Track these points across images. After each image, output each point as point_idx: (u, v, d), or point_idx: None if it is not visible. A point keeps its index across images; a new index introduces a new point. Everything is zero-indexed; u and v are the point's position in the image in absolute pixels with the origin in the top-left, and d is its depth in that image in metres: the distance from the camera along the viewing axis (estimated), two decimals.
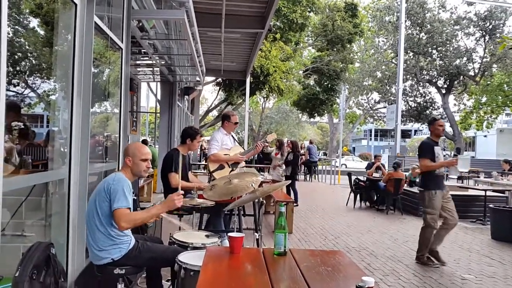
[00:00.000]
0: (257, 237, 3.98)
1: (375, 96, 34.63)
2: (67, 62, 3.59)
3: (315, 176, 19.39)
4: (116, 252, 2.97)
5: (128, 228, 2.93)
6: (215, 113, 27.67)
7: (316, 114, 26.58)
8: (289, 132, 39.87)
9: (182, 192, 3.08)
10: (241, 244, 2.48)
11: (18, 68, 5.10)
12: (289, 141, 11.43)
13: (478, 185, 12.70)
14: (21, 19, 4.81)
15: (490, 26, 27.35)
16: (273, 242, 5.93)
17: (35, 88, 5.82)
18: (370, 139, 68.32)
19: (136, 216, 2.94)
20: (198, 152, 18.64)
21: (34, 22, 5.14)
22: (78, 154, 3.60)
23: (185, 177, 4.91)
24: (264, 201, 6.51)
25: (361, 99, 35.96)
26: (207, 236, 3.39)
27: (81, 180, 3.71)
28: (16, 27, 4.72)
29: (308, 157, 18.68)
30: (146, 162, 3.12)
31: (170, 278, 3.64)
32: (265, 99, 31.44)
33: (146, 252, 3.09)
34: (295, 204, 9.28)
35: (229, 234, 2.49)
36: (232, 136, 5.53)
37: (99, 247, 2.95)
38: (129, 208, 2.90)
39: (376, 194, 10.96)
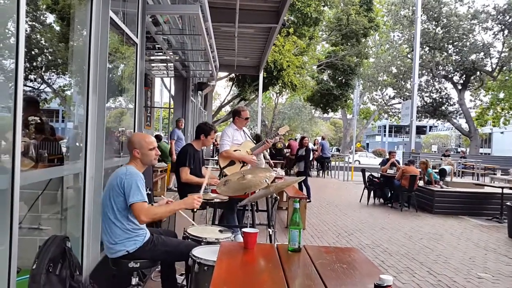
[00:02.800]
0: (270, 233, 3.97)
1: (390, 91, 34.19)
2: (83, 58, 3.60)
3: (328, 172, 19.25)
4: (131, 244, 3.00)
5: (147, 222, 2.95)
6: (228, 108, 27.66)
7: (329, 109, 26.34)
8: (302, 128, 39.73)
9: (201, 200, 3.11)
10: (255, 240, 2.47)
11: (34, 64, 5.16)
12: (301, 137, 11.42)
13: (494, 182, 12.50)
14: (38, 15, 4.85)
15: (510, 20, 26.75)
16: (285, 238, 5.87)
17: (51, 83, 5.88)
18: (384, 135, 67.54)
19: (155, 210, 2.96)
20: (211, 147, 18.66)
21: (50, 18, 5.19)
22: (94, 149, 3.62)
23: (198, 172, 4.91)
24: (278, 197, 6.47)
25: (376, 94, 35.59)
26: (220, 231, 3.40)
27: (97, 174, 3.72)
28: (33, 23, 4.76)
29: (320, 153, 18.55)
30: (155, 150, 3.12)
31: (183, 272, 3.66)
32: (278, 94, 31.35)
33: (160, 246, 3.11)
34: (307, 200, 9.24)
35: (244, 229, 2.49)
36: (244, 131, 5.54)
37: (115, 241, 2.98)
38: (146, 202, 2.91)
39: (390, 190, 10.85)
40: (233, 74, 19.58)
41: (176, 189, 5.41)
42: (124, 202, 2.91)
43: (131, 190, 2.86)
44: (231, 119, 5.67)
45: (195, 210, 4.04)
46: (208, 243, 3.17)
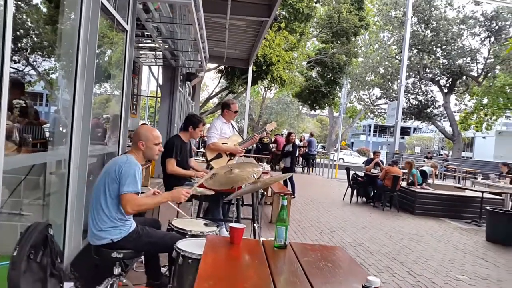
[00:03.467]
0: (256, 228, 3.99)
1: (377, 91, 34.53)
2: (71, 42, 3.54)
3: (312, 169, 19.35)
4: (116, 233, 2.98)
5: (133, 213, 2.95)
6: (215, 100, 27.47)
7: (317, 106, 26.44)
8: (289, 124, 39.73)
9: (190, 192, 3.13)
10: (241, 235, 2.46)
11: (19, 45, 5.05)
12: (288, 132, 11.47)
13: (475, 186, 12.73)
14: None
15: (496, 27, 27.23)
16: (269, 233, 5.90)
17: (36, 66, 5.75)
18: (369, 134, 67.99)
19: (142, 201, 2.95)
20: (197, 140, 18.55)
21: (43, 2, 5.07)
22: (80, 135, 3.57)
23: (185, 164, 4.89)
24: (265, 193, 6.48)
25: (363, 94, 35.84)
26: (205, 224, 3.38)
27: (81, 161, 3.67)
28: (19, 2, 4.64)
29: (307, 150, 18.63)
30: (159, 145, 3.13)
31: (166, 264, 3.64)
32: (267, 89, 31.19)
33: (145, 237, 3.09)
34: (292, 196, 9.27)
35: (230, 224, 2.48)
36: (232, 124, 5.50)
37: (100, 227, 2.95)
38: (137, 193, 2.91)
39: (373, 190, 10.97)
40: (222, 66, 19.40)
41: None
42: (117, 189, 2.90)
43: (127, 179, 2.86)
44: (220, 111, 5.63)
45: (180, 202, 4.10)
46: (193, 236, 3.15)
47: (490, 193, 10.23)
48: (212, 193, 3.65)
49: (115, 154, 4.61)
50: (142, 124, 12.00)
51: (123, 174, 2.86)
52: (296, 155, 11.40)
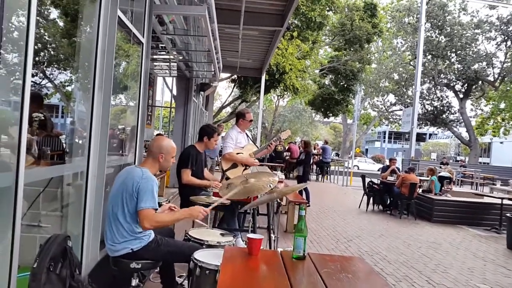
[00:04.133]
0: (273, 238, 3.97)
1: (391, 98, 34.02)
2: (88, 55, 3.56)
3: (327, 176, 19.15)
4: (136, 243, 2.99)
5: (150, 229, 2.96)
6: (228, 109, 27.35)
7: (330, 114, 26.11)
8: (302, 131, 39.33)
9: (208, 211, 3.13)
10: (259, 246, 2.45)
11: (37, 59, 5.12)
12: (302, 140, 11.44)
13: (494, 192, 12.48)
14: (42, 10, 4.81)
15: None
16: (285, 243, 5.81)
17: (53, 79, 5.83)
18: (384, 141, 67.03)
19: (159, 218, 2.94)
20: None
21: (54, 13, 5.16)
22: (97, 147, 3.59)
23: (200, 174, 4.89)
24: (282, 202, 6.40)
25: (377, 100, 35.35)
26: (222, 234, 3.37)
27: (99, 173, 3.63)
28: (38, 17, 4.73)
29: (321, 157, 18.47)
30: (174, 158, 3.20)
31: (182, 274, 3.63)
32: (279, 97, 31.00)
33: (164, 246, 3.10)
34: (307, 205, 9.22)
35: (248, 235, 2.47)
36: (246, 133, 5.48)
37: (119, 240, 2.97)
38: (155, 209, 2.91)
39: (390, 197, 10.83)
40: (235, 76, 19.47)
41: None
42: (135, 205, 2.90)
43: (145, 195, 2.85)
44: (234, 120, 5.63)
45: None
46: (210, 246, 3.15)
47: (510, 199, 10.01)
48: (228, 202, 3.68)
49: (131, 165, 4.53)
50: (158, 134, 12.03)
51: (140, 190, 2.86)
52: (310, 163, 11.29)
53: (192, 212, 3.05)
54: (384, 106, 35.30)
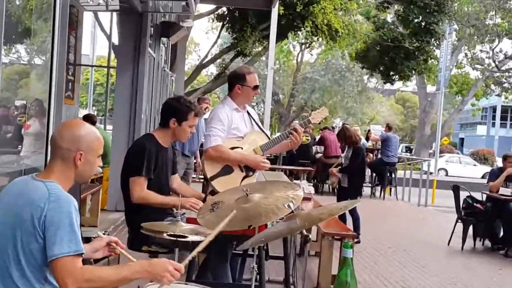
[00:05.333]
0: None
1: (507, 45, 24.03)
2: None
3: (390, 188, 13.24)
4: None
5: None
6: (212, 70, 20.00)
7: (396, 76, 17.99)
8: (345, 108, 27.92)
9: (182, 269, 2.21)
10: None
11: None
12: (344, 124, 8.52)
13: None
14: None
15: None
16: None
17: None
18: (493, 124, 44.31)
19: (93, 274, 2.15)
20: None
21: None
22: None
23: (163, 186, 3.58)
24: (310, 236, 4.40)
25: (481, 50, 24.14)
26: None
27: None
28: None
29: (380, 154, 12.68)
30: (100, 158, 2.40)
31: None
32: (304, 46, 22.51)
33: None
34: (355, 240, 6.67)
35: None
36: (248, 112, 3.99)
37: None
38: (81, 254, 2.13)
39: (504, 226, 7.81)
40: (223, 8, 13.59)
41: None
42: (42, 251, 2.09)
43: (58, 232, 2.06)
44: (222, 88, 4.07)
45: (151, 248, 3.36)
46: None
47: None
48: (212, 236, 2.49)
49: (40, 171, 3.49)
50: (85, 117, 8.97)
51: (48, 223, 2.08)
52: (364, 167, 7.55)
53: (152, 269, 2.21)
54: (494, 61, 24.00)
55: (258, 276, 3.13)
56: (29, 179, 2.23)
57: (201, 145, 6.50)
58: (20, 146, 3.78)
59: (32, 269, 2.10)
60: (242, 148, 3.83)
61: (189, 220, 3.03)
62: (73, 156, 2.20)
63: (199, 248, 2.44)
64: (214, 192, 3.61)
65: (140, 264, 2.27)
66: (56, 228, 2.05)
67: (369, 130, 15.18)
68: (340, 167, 7.40)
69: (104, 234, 3.30)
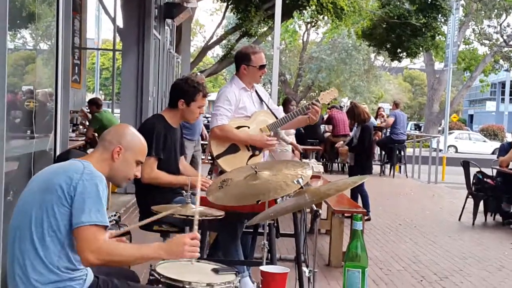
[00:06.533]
0: (306, 276, 2.65)
1: None
2: None
3: (400, 166, 13.14)
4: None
5: (96, 265, 2.16)
6: (218, 51, 20.22)
7: (403, 53, 17.25)
8: (352, 87, 27.07)
9: (198, 242, 2.25)
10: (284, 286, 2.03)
11: None
12: (352, 103, 8.19)
13: None
14: None
15: None
16: (327, 283, 4.69)
17: None
18: (503, 100, 43.35)
19: (116, 249, 2.17)
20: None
21: None
22: None
23: (173, 166, 3.56)
24: (320, 211, 4.35)
25: (489, 25, 23.85)
26: (215, 270, 2.45)
27: None
28: None
29: (389, 132, 12.49)
30: (139, 166, 2.42)
31: None
32: (310, 25, 21.45)
33: None
34: (366, 217, 6.41)
35: (262, 268, 2.13)
36: (256, 91, 3.92)
37: (32, 283, 2.13)
38: (105, 226, 2.15)
39: None
40: None
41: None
42: (65, 218, 2.09)
43: (87, 202, 2.08)
44: (229, 69, 4.00)
45: (162, 228, 3.41)
46: None
47: None
48: (222, 214, 2.67)
49: (48, 154, 3.65)
50: (91, 101, 8.74)
51: (79, 193, 2.09)
52: (371, 145, 7.49)
53: (170, 247, 2.23)
54: (502, 35, 23.71)
55: (269, 252, 3.03)
56: (70, 160, 2.30)
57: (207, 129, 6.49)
58: (28, 131, 3.71)
59: (52, 234, 2.11)
60: (248, 127, 3.77)
61: (201, 199, 3.17)
62: (113, 148, 2.26)
63: (195, 227, 2.40)
64: (222, 172, 3.53)
65: (159, 244, 2.29)
66: (86, 198, 2.09)
67: (379, 108, 14.88)
68: (347, 145, 7.33)
69: (115, 216, 3.37)
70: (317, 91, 5.20)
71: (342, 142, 7.99)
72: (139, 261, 2.32)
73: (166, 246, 2.28)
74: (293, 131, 7.66)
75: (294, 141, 7.67)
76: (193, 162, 6.38)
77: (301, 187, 2.44)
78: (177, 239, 2.28)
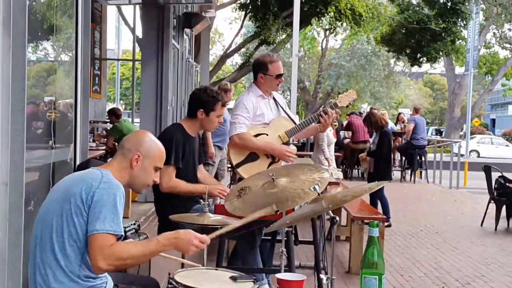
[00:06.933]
0: (324, 283, 2.64)
1: None
2: None
3: (420, 172, 13.05)
4: None
5: (107, 271, 2.19)
6: (237, 60, 20.29)
7: (423, 58, 16.94)
8: (372, 93, 26.91)
9: (208, 240, 2.30)
10: None
11: None
12: (371, 108, 8.33)
13: None
14: None
15: None
16: None
17: None
18: None
19: (124, 251, 2.16)
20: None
21: None
22: (7, 136, 2.55)
23: (191, 175, 3.53)
24: (337, 218, 4.31)
25: (509, 29, 23.92)
26: (233, 278, 2.42)
27: (14, 180, 2.59)
28: None
29: (409, 138, 12.18)
30: (158, 172, 2.43)
31: None
32: (329, 32, 21.34)
33: None
34: (386, 224, 6.31)
35: (278, 275, 2.10)
36: (274, 99, 3.92)
37: None
38: (118, 235, 2.15)
39: None
40: None
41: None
42: (84, 227, 2.13)
43: (103, 210, 2.10)
44: (247, 77, 4.03)
45: None
46: None
47: None
48: (240, 223, 2.60)
49: (69, 164, 3.65)
50: (110, 111, 8.67)
51: (96, 201, 2.12)
52: (390, 151, 7.42)
53: (178, 241, 2.25)
54: None
55: (287, 259, 3.00)
56: (89, 169, 2.33)
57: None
58: (50, 141, 3.64)
59: (72, 243, 2.14)
60: (267, 135, 3.76)
61: (217, 209, 3.09)
62: (131, 156, 2.28)
63: (230, 227, 2.45)
64: (240, 179, 3.58)
65: (166, 237, 2.27)
66: (102, 206, 2.10)
67: (399, 113, 14.79)
68: (367, 152, 7.30)
69: (134, 224, 3.40)
70: (336, 98, 5.10)
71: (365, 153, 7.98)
72: (149, 257, 2.36)
73: (173, 238, 2.28)
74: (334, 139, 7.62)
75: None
76: (219, 170, 6.50)
77: (318, 194, 2.41)
78: (187, 237, 2.27)
